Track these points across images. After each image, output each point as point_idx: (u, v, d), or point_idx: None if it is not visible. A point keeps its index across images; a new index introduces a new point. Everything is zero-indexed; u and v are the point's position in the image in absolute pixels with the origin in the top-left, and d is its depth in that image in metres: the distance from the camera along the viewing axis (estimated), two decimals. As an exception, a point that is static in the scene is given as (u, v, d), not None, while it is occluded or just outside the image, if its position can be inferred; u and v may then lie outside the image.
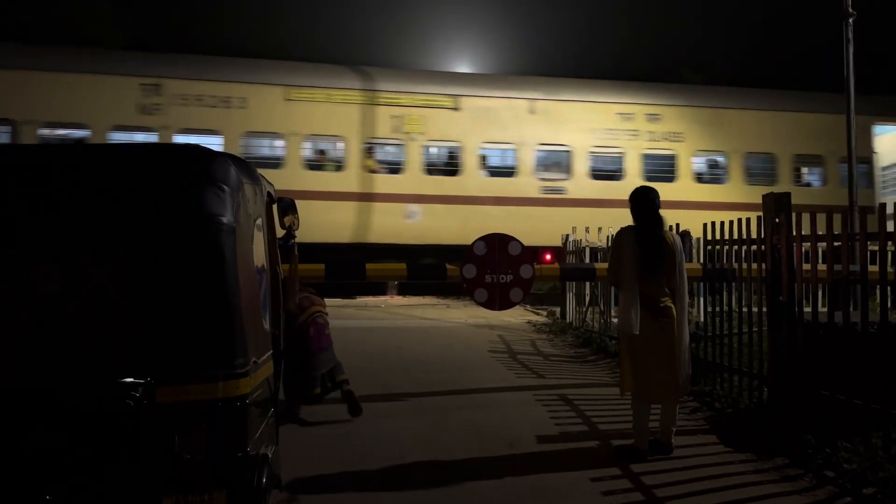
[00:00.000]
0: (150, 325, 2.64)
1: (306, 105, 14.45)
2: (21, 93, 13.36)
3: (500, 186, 15.22)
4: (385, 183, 14.77)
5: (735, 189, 15.86)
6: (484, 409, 5.78)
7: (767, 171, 16.26)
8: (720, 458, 4.56)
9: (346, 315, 12.04)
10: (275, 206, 4.01)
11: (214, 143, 13.81)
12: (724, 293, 6.43)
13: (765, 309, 5.56)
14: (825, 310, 5.04)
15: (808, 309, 5.68)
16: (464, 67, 30.62)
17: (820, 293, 7.20)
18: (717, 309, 6.41)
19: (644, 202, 4.71)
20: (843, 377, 4.62)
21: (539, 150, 15.57)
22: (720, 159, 16.38)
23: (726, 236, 6.14)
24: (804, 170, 16.89)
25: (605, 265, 5.87)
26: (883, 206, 4.50)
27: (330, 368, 5.45)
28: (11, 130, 13.36)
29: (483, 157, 15.43)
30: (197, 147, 3.00)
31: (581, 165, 15.56)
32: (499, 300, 6.20)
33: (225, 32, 30.53)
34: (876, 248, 4.74)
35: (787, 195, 5.45)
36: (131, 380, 2.56)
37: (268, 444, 3.09)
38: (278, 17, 40.08)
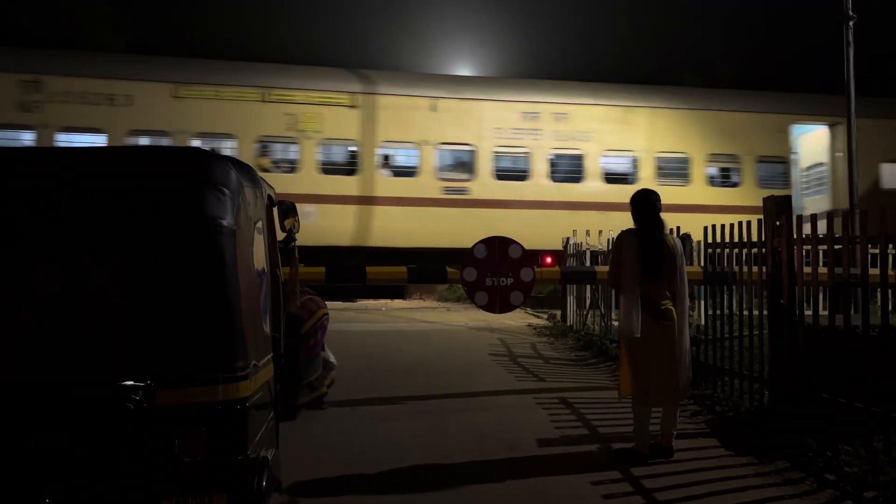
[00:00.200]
0: (151, 326, 2.65)
1: (195, 102, 14.07)
2: None
3: (401, 186, 14.81)
4: (277, 182, 14.48)
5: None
6: (484, 413, 5.78)
7: (679, 171, 15.87)
8: (721, 461, 4.55)
9: (347, 318, 12.03)
10: (275, 209, 4.02)
11: (97, 141, 13.61)
12: (725, 296, 6.43)
13: (765, 312, 5.56)
14: (826, 313, 5.04)
15: (808, 312, 5.68)
16: (464, 70, 30.63)
17: (821, 296, 7.19)
18: (718, 312, 6.40)
19: (645, 205, 4.71)
20: (844, 380, 4.61)
21: (441, 150, 15.16)
22: (630, 159, 15.88)
23: (727, 239, 6.13)
24: (719, 169, 16.48)
25: (606, 268, 5.87)
26: (883, 209, 4.49)
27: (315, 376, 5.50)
28: None
29: (383, 157, 15.01)
30: (198, 150, 3.02)
31: (485, 165, 15.11)
32: (499, 303, 6.20)
33: (225, 33, 30.58)
34: (877, 251, 4.74)
35: (788, 198, 5.46)
36: (131, 382, 2.56)
37: (268, 446, 3.08)
38: (278, 18, 40.16)
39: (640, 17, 38.57)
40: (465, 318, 12.73)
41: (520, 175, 15.36)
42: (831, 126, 15.91)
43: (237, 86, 14.29)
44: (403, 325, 11.79)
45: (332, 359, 6.04)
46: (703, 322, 8.25)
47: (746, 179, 16.04)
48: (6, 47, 15.77)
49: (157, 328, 2.65)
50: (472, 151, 15.14)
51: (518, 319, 12.48)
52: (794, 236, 5.16)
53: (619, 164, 15.93)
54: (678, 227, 6.30)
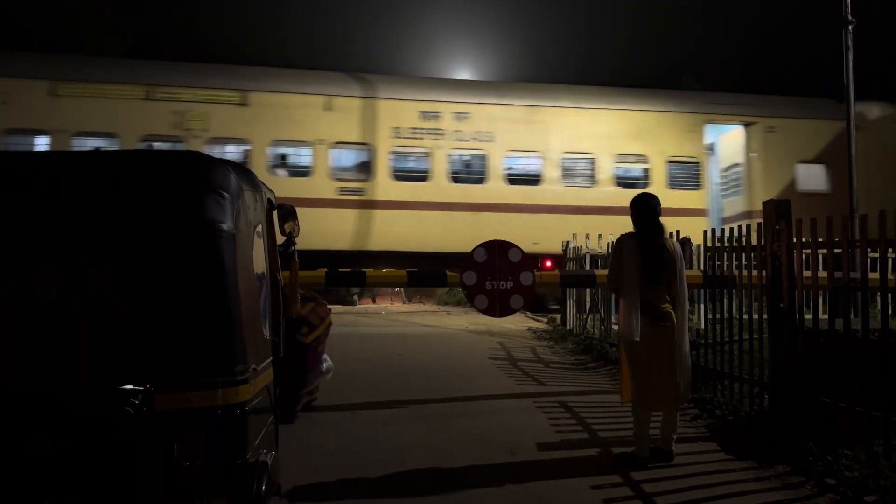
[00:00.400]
0: (150, 330, 2.64)
1: (76, 101, 13.62)
2: None
3: (295, 186, 14.17)
4: None
5: (551, 190, 15.00)
6: (484, 417, 5.77)
7: (585, 172, 15.37)
8: (721, 465, 4.54)
9: (347, 322, 12.02)
10: (275, 213, 4.02)
11: None
12: (725, 300, 6.42)
13: (765, 316, 5.55)
14: (826, 317, 5.03)
15: (808, 316, 5.67)
16: (466, 74, 30.64)
17: (820, 300, 7.18)
18: (718, 316, 6.40)
19: (645, 209, 4.72)
20: (844, 384, 4.60)
21: (336, 150, 14.75)
22: (534, 160, 15.31)
23: (726, 243, 6.14)
24: (626, 170, 15.78)
25: (605, 272, 5.87)
26: (884, 213, 4.48)
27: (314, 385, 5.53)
28: None
29: (274, 156, 14.62)
30: (197, 154, 3.02)
31: (382, 166, 14.54)
32: (499, 307, 6.20)
33: (225, 34, 30.59)
34: (877, 255, 4.73)
35: (788, 202, 5.44)
36: (131, 386, 2.56)
37: (267, 450, 3.08)
38: (279, 20, 40.18)
39: (640, 21, 38.63)
40: (464, 321, 12.73)
41: (419, 176, 14.89)
42: (747, 126, 15.70)
43: (120, 83, 13.87)
44: (403, 329, 11.79)
45: (330, 362, 6.06)
46: (702, 326, 8.25)
47: (656, 180, 15.33)
48: None
49: (156, 332, 2.65)
50: (368, 152, 14.70)
51: (518, 323, 12.48)
52: (794, 240, 5.16)
53: (524, 165, 15.44)
54: (678, 231, 6.30)
